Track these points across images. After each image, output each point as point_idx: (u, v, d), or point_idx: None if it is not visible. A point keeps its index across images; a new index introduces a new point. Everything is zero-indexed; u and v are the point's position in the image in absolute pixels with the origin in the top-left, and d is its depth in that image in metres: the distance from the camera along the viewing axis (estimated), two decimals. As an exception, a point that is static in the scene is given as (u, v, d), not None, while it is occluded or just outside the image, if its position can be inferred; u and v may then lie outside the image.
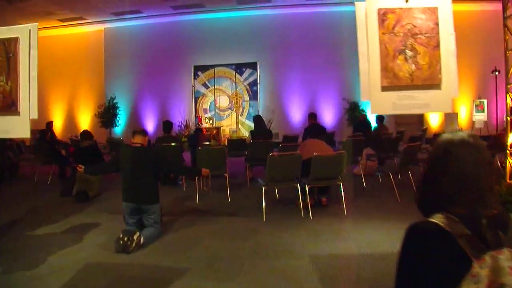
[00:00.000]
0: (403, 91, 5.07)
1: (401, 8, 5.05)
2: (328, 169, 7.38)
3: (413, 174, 8.90)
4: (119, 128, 21.77)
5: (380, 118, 13.41)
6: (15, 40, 5.39)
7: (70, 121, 22.78)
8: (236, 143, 11.99)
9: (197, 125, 19.59)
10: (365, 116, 16.66)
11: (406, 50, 4.99)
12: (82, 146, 9.70)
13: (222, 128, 19.96)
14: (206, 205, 8.43)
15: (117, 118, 21.61)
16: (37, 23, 5.54)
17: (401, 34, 5.02)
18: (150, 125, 21.55)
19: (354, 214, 7.43)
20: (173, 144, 10.17)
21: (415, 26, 5.02)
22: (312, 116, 11.56)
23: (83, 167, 6.40)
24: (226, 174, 8.86)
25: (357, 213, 7.52)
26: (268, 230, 6.63)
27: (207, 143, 11.10)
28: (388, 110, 5.28)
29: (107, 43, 22.28)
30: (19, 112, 5.40)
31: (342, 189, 7.54)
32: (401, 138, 11.59)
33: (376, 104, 5.24)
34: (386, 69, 5.09)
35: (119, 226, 6.45)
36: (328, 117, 19.78)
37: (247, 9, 20.07)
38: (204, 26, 20.97)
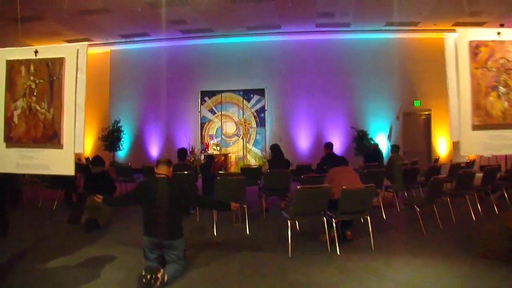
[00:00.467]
0: (496, 130, 4.73)
1: (494, 41, 4.75)
2: (357, 203, 7.00)
3: (437, 206, 8.60)
4: (123, 152, 21.35)
5: (395, 148, 13.06)
6: (61, 61, 4.67)
7: (73, 144, 22.08)
8: (250, 172, 11.61)
9: (203, 151, 19.29)
10: (376, 145, 16.36)
11: (499, 87, 4.66)
12: (93, 173, 9.29)
13: (229, 155, 19.57)
14: (225, 237, 8.01)
15: (121, 141, 21.19)
16: (87, 43, 4.82)
17: (494, 69, 4.69)
18: (154, 150, 21.22)
19: (382, 249, 7.03)
20: (185, 172, 9.78)
21: (508, 60, 4.66)
22: (329, 146, 11.24)
23: (101, 197, 5.98)
24: (245, 206, 8.45)
25: (385, 247, 7.14)
26: (297, 267, 6.22)
27: (221, 172, 10.73)
28: (478, 150, 4.99)
29: (113, 65, 22.01)
30: (62, 144, 4.65)
31: (369, 223, 7.15)
32: (418, 170, 11.23)
33: (467, 144, 4.92)
34: (478, 107, 4.80)
35: (137, 261, 6.07)
36: (336, 145, 19.21)
37: (256, 35, 19.85)
38: (212, 51, 20.72)
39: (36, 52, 4.85)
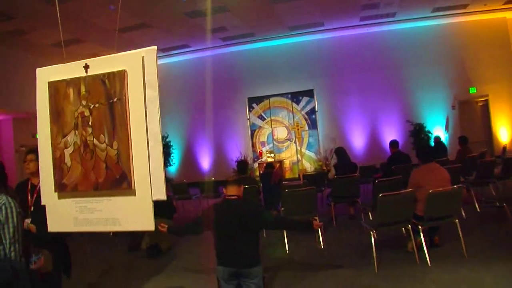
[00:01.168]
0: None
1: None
2: (445, 206, 6.30)
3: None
4: (173, 167, 21.08)
5: (463, 139, 12.17)
6: (122, 75, 3.21)
7: (124, 163, 21.98)
8: (313, 178, 11.00)
9: (256, 159, 18.77)
10: (439, 138, 15.59)
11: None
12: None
13: (283, 160, 19.02)
14: (299, 254, 7.42)
15: (171, 157, 20.93)
16: (155, 47, 3.33)
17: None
18: (205, 163, 20.85)
19: (476, 256, 6.31)
20: (247, 186, 9.22)
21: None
22: (394, 145, 10.57)
23: (165, 226, 5.44)
24: (316, 218, 7.82)
25: (479, 254, 6.39)
26: (388, 286, 5.58)
27: (284, 182, 10.16)
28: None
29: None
30: (134, 190, 3.16)
31: (459, 228, 6.44)
32: (494, 162, 10.37)
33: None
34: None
35: (212, 290, 5.56)
36: (391, 141, 18.61)
37: (299, 35, 19.21)
38: (255, 56, 20.21)
39: (86, 66, 3.40)
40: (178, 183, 14.02)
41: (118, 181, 3.18)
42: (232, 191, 5.09)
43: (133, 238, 9.02)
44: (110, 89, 3.23)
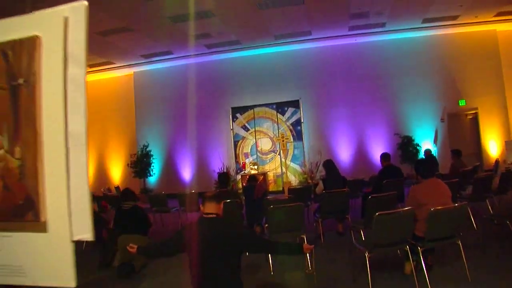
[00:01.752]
0: None
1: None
2: (447, 226, 5.69)
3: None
4: (153, 177, 20.36)
5: (456, 153, 11.56)
6: (32, 44, 2.08)
7: (102, 172, 21.47)
8: (299, 192, 10.37)
9: (239, 171, 18.13)
10: (430, 151, 15.14)
11: None
12: (124, 209, 8.11)
13: (267, 173, 18.42)
14: (284, 277, 6.73)
15: (151, 167, 20.18)
16: (85, 2, 2.07)
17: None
18: (186, 173, 20.15)
19: (480, 280, 5.71)
20: (228, 200, 8.54)
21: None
22: (386, 157, 10.01)
23: (135, 247, 4.74)
24: (303, 236, 7.16)
25: (485, 277, 5.80)
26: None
27: (268, 196, 9.50)
28: None
29: (137, 87, 21.13)
30: (45, 223, 2.11)
31: (461, 248, 5.83)
32: (492, 176, 9.82)
33: None
34: None
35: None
36: (379, 155, 17.98)
37: (286, 44, 18.68)
38: (240, 64, 19.67)
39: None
40: (156, 195, 13.32)
41: (21, 208, 2.09)
42: (210, 208, 4.42)
43: (104, 253, 8.32)
44: (13, 66, 2.07)
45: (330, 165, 9.60)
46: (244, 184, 12.68)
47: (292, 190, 10.92)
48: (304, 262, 6.80)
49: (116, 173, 21.39)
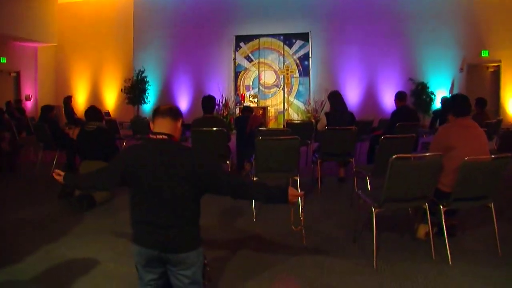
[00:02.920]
0: None
1: None
2: (482, 182, 4.35)
3: None
4: (148, 105, 19.22)
5: (481, 102, 10.04)
6: None
7: (95, 96, 20.54)
8: (299, 128, 9.08)
9: (238, 104, 16.88)
10: (447, 99, 13.71)
11: None
12: (87, 130, 6.81)
13: (267, 108, 17.21)
14: (269, 226, 5.50)
15: (146, 94, 19.08)
16: None
17: None
18: (183, 103, 18.98)
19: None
20: (214, 129, 7.25)
21: None
22: (402, 97, 8.62)
23: (62, 173, 3.47)
24: (297, 177, 5.93)
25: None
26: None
27: (262, 128, 8.13)
28: None
29: (137, 10, 19.76)
30: None
31: (493, 214, 4.55)
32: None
33: None
34: None
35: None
36: (390, 99, 16.64)
37: (299, -31, 17.04)
38: (247, -11, 18.11)
39: None
40: (140, 119, 12.15)
41: None
42: (161, 126, 3.07)
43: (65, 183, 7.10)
44: None
45: (336, 97, 8.07)
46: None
47: (290, 124, 9.66)
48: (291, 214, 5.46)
49: (110, 99, 20.48)
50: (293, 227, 3.52)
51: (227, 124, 8.86)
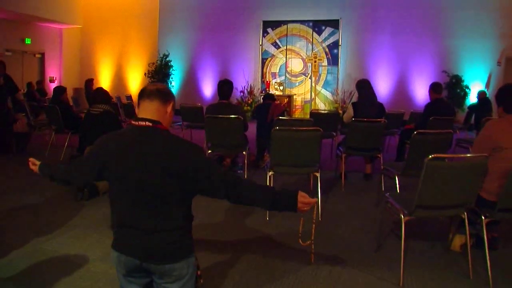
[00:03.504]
0: None
1: None
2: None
3: None
4: (173, 89, 18.69)
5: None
6: None
7: (119, 80, 20.34)
8: (323, 119, 8.49)
9: (263, 91, 16.30)
10: (485, 94, 13.08)
11: None
12: (92, 113, 6.33)
13: (293, 96, 16.61)
14: (282, 226, 4.92)
15: (170, 78, 18.76)
16: None
17: None
18: (207, 89, 18.66)
19: None
20: (232, 116, 6.69)
21: None
22: (437, 88, 7.94)
23: (37, 163, 2.95)
24: (317, 174, 5.33)
25: None
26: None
27: (283, 117, 7.52)
28: None
29: (164, -8, 19.52)
30: None
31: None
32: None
33: None
34: None
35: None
36: (422, 92, 15.94)
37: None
38: (277, -28, 17.55)
39: None
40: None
41: None
42: (147, 110, 2.52)
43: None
44: None
45: (365, 85, 7.29)
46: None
47: (315, 114, 9.05)
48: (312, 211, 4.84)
49: (134, 83, 20.18)
50: (300, 241, 2.95)
51: (244, 112, 8.28)
